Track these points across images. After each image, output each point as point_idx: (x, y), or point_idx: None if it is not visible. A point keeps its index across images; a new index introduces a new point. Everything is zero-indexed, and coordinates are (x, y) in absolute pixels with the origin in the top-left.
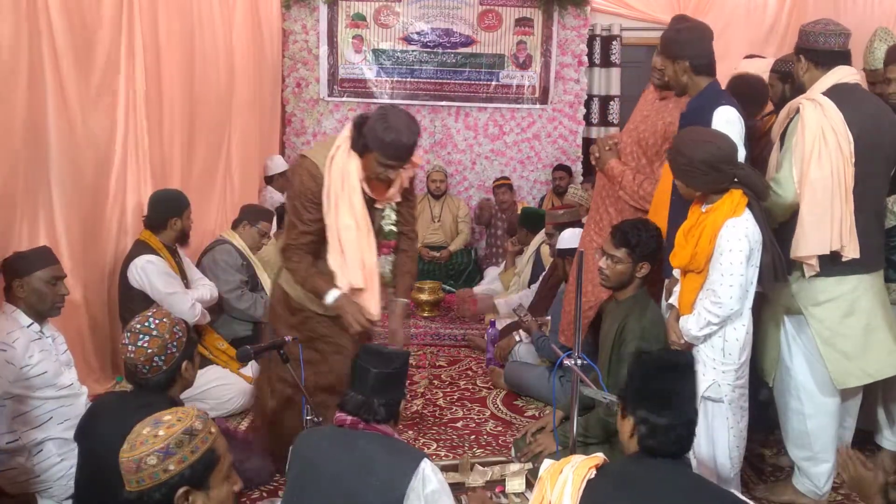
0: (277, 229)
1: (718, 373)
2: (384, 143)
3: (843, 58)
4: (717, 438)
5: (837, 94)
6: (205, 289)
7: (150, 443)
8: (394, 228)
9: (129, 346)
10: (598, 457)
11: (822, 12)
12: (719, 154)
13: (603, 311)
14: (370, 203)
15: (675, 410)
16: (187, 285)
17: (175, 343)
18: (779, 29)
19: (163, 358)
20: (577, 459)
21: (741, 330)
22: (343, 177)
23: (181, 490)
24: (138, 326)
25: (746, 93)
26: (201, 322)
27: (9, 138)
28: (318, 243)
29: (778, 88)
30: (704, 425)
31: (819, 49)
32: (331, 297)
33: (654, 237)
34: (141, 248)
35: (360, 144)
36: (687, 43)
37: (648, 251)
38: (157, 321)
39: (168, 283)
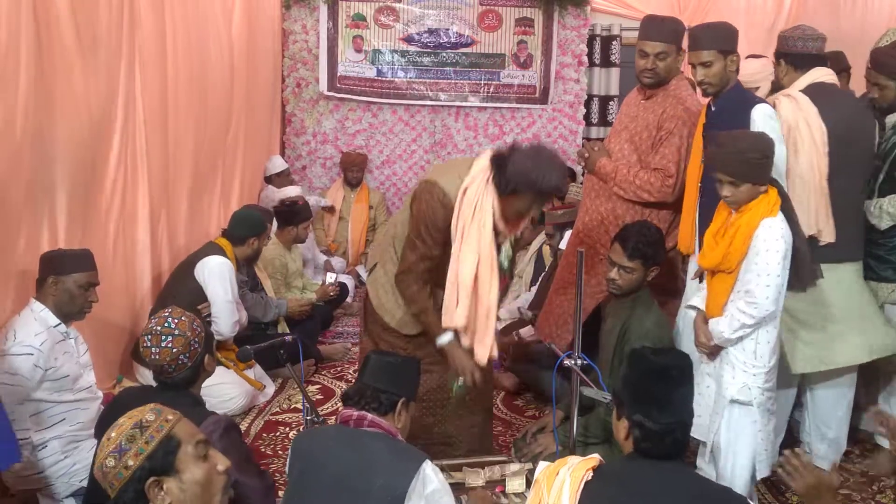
0: (277, 229)
1: (749, 375)
2: (541, 191)
3: (820, 60)
4: (743, 442)
5: (812, 91)
6: (243, 312)
7: (106, 447)
8: (507, 263)
9: (153, 349)
10: (595, 458)
11: (821, 12)
12: (768, 143)
13: (602, 310)
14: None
15: (669, 414)
16: None
17: (197, 339)
18: (778, 29)
19: (187, 355)
20: (574, 461)
21: (773, 332)
22: (475, 210)
23: (149, 481)
24: (159, 328)
25: None
26: (227, 340)
27: (11, 138)
28: (434, 271)
29: None
30: (726, 429)
31: (797, 53)
32: (444, 339)
33: (661, 241)
34: (218, 250)
35: (508, 188)
36: (735, 37)
37: (660, 256)
38: (176, 320)
39: (232, 291)
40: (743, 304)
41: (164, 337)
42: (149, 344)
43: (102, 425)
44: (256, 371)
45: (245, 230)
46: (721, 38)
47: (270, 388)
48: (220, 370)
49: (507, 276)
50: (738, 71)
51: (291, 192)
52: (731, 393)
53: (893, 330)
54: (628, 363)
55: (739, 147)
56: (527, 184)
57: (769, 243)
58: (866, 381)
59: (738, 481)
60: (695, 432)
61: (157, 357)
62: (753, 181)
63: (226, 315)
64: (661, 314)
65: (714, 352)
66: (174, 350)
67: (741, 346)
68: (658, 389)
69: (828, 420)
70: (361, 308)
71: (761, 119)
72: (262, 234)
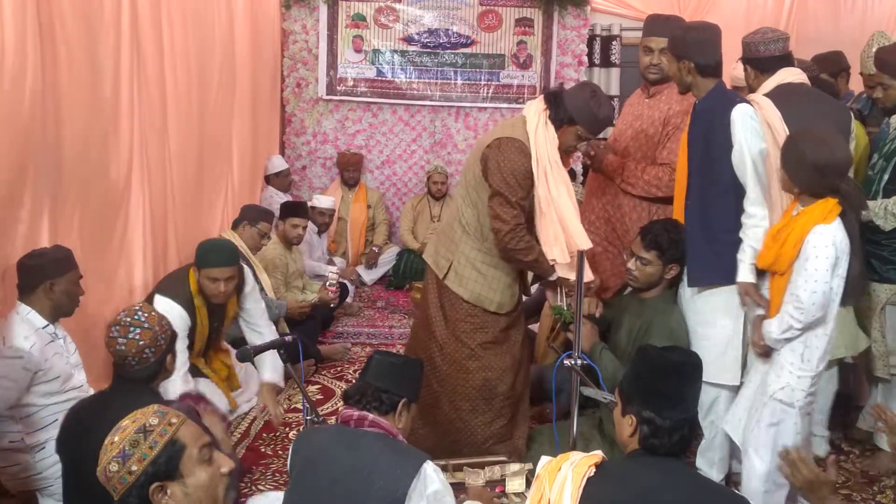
0: (277, 229)
1: (794, 377)
2: (597, 119)
3: (786, 61)
4: (782, 443)
5: (778, 93)
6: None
7: (109, 451)
8: None
9: (120, 339)
10: (598, 455)
11: (821, 13)
12: (832, 160)
13: (614, 306)
14: None
15: (681, 411)
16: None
17: (164, 336)
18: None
19: (153, 350)
20: (577, 457)
21: (823, 338)
22: (548, 149)
23: (153, 486)
24: (128, 319)
25: None
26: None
27: (15, 141)
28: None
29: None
30: (769, 429)
31: (761, 57)
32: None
33: (683, 240)
34: (177, 287)
35: (566, 117)
36: (694, 44)
37: (679, 254)
38: (146, 314)
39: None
40: (791, 308)
41: (132, 328)
42: (115, 334)
43: (64, 438)
44: (249, 392)
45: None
46: (673, 44)
47: (246, 405)
48: (205, 383)
49: None
50: (709, 74)
51: (325, 201)
52: (773, 390)
53: (860, 330)
54: (640, 359)
55: (802, 147)
56: (585, 113)
57: (819, 249)
58: (858, 381)
59: (778, 483)
60: (732, 432)
61: (123, 348)
62: (797, 184)
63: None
64: (682, 315)
65: (766, 352)
66: (140, 342)
67: (790, 347)
68: (671, 385)
69: None
70: (437, 313)
71: (740, 119)
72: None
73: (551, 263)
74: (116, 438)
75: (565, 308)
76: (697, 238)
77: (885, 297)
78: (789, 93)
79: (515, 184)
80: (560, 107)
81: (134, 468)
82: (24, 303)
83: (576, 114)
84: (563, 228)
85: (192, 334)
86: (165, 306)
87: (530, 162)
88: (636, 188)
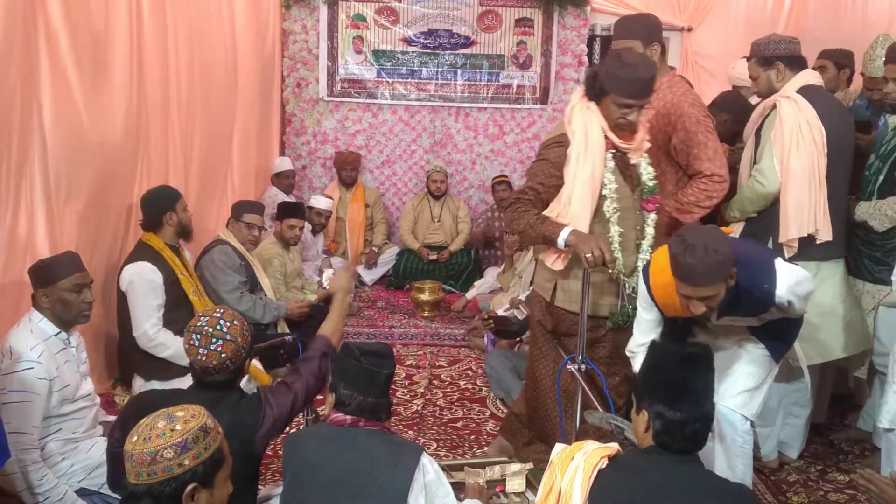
0: (274, 229)
1: None
2: (621, 80)
3: (805, 63)
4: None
5: (806, 93)
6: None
7: (167, 436)
8: (652, 182)
9: (201, 350)
10: (612, 447)
11: (821, 13)
12: None
13: None
14: (623, 159)
15: (691, 405)
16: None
17: (245, 346)
18: (778, 29)
19: (233, 360)
20: (590, 447)
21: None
22: (584, 130)
23: (192, 486)
24: (210, 329)
25: (740, 106)
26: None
27: (3, 136)
28: (542, 203)
29: (833, 72)
30: None
31: (791, 55)
32: (563, 235)
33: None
34: (141, 251)
35: (597, 89)
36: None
37: None
38: (228, 324)
39: (144, 301)
40: None
41: (214, 339)
42: (196, 343)
43: (124, 427)
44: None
45: (155, 210)
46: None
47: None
48: None
49: (654, 195)
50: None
51: (322, 202)
52: None
53: (867, 328)
54: (650, 353)
55: None
56: (608, 77)
57: None
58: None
59: None
60: None
61: (204, 359)
62: None
63: (137, 323)
64: None
65: None
66: (223, 355)
67: None
68: (680, 377)
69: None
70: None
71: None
72: (175, 203)
73: (555, 220)
74: (178, 427)
75: (626, 307)
76: None
77: (878, 298)
78: (812, 94)
79: (538, 167)
80: (594, 80)
81: (186, 462)
82: (35, 308)
83: (604, 82)
84: (565, 202)
85: (176, 288)
86: (134, 269)
87: (564, 149)
88: (695, 212)
